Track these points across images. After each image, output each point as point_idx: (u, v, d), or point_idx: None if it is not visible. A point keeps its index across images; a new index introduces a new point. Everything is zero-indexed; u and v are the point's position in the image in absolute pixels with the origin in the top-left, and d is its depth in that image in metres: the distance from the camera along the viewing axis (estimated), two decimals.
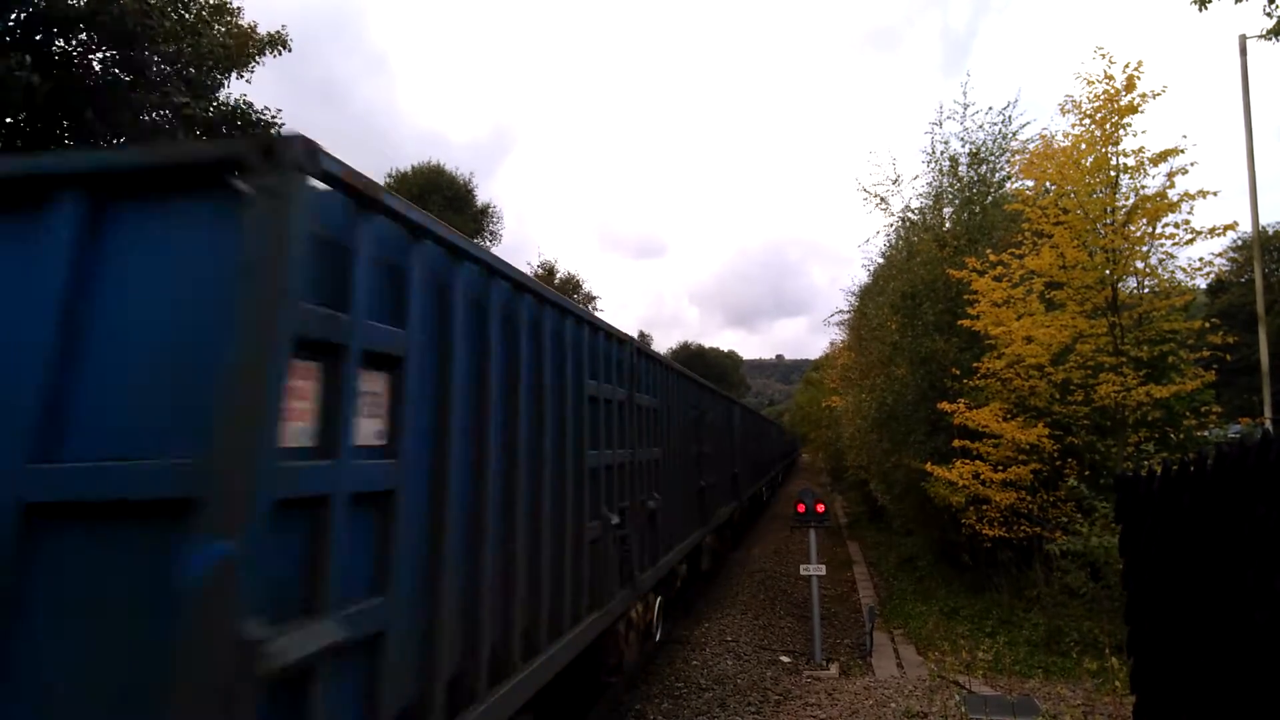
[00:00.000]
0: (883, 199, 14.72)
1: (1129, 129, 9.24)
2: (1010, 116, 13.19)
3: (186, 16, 10.86)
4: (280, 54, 12.60)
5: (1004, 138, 13.20)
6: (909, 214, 14.64)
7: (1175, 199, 8.89)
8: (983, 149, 13.32)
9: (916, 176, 22.51)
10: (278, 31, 12.51)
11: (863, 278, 22.11)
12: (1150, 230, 9.19)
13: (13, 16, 9.47)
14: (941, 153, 13.76)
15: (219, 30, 11.35)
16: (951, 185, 13.74)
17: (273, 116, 12.33)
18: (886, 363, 13.82)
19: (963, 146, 13.52)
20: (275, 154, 2.00)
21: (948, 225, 13.47)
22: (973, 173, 13.46)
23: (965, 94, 14.80)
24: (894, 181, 15.42)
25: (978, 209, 13.03)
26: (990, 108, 17.90)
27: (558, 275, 37.39)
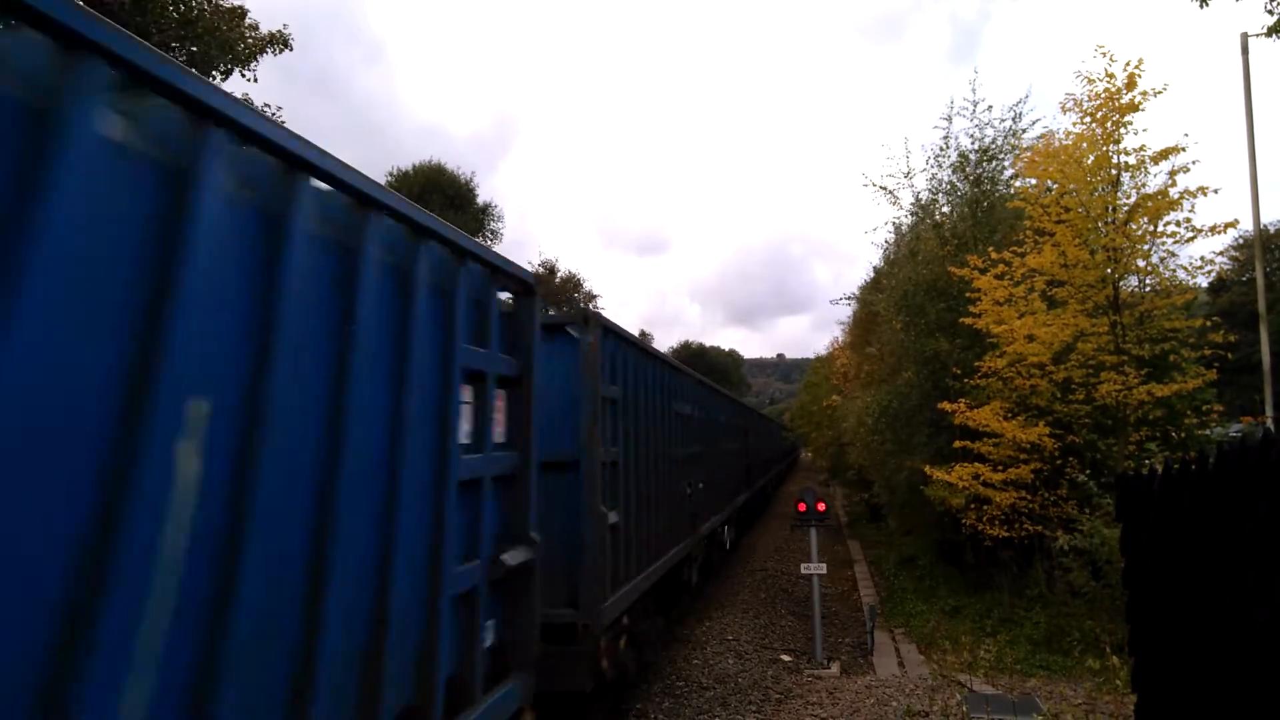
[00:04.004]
0: (892, 192, 14.69)
1: (1130, 127, 9.23)
2: (1020, 113, 13.15)
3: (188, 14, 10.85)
4: (280, 52, 12.60)
5: (1014, 135, 13.16)
6: (918, 209, 14.58)
7: (1176, 197, 8.88)
8: (992, 146, 13.28)
9: (923, 170, 22.38)
10: (279, 30, 12.51)
11: (865, 275, 22.03)
12: (1151, 228, 9.18)
13: None
14: (953, 148, 13.70)
15: (209, 15, 11.29)
16: (960, 182, 13.68)
17: (274, 113, 12.35)
18: (893, 363, 13.79)
19: (972, 143, 13.48)
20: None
21: (952, 222, 13.43)
22: (981, 170, 13.42)
23: (974, 90, 14.73)
24: (906, 175, 15.38)
25: (986, 204, 12.98)
26: (998, 105, 17.76)
27: (558, 275, 37.34)
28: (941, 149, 13.83)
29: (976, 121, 13.44)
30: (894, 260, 15.28)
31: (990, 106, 15.62)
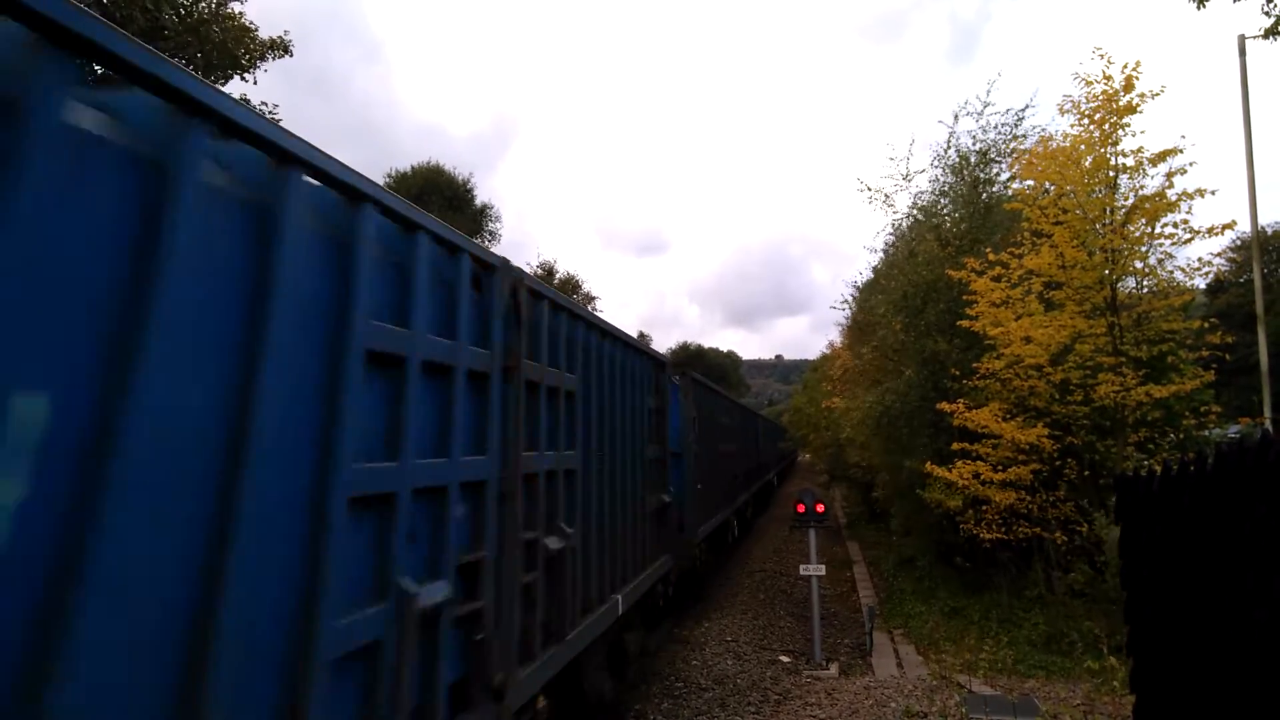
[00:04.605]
0: (888, 196, 14.68)
1: (1128, 129, 9.25)
2: (1022, 117, 13.13)
3: (188, 18, 10.90)
4: (280, 57, 12.61)
5: (1013, 139, 13.15)
6: (915, 213, 14.57)
7: (1174, 199, 8.90)
8: (992, 149, 13.27)
9: (923, 170, 22.20)
10: (279, 36, 12.52)
11: (864, 276, 21.96)
12: (1149, 230, 9.20)
13: None
14: (953, 149, 13.69)
15: (217, 31, 11.39)
16: (958, 184, 13.67)
17: (270, 110, 12.37)
18: (892, 363, 13.79)
19: (974, 145, 13.47)
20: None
21: (949, 224, 13.43)
22: (980, 172, 13.42)
23: (989, 92, 14.53)
24: (905, 177, 15.37)
25: (982, 207, 12.99)
26: (1008, 109, 17.63)
27: (557, 275, 37.33)
28: (944, 149, 13.84)
29: (982, 124, 13.43)
30: (893, 261, 15.26)
31: (1006, 110, 15.59)
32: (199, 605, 1.86)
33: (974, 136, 13.46)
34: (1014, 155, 12.95)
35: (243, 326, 2.03)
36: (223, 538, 1.92)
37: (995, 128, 13.30)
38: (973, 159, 13.38)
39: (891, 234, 16.03)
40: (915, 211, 14.61)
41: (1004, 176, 13.34)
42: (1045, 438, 9.34)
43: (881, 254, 17.12)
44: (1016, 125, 13.09)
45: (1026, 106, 13.20)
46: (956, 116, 13.64)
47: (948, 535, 11.56)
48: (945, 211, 13.92)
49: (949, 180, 13.84)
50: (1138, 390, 8.83)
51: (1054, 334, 9.19)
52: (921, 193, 14.69)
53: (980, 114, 13.39)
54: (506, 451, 3.66)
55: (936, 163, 13.99)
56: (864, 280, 19.57)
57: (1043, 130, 15.28)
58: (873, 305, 15.76)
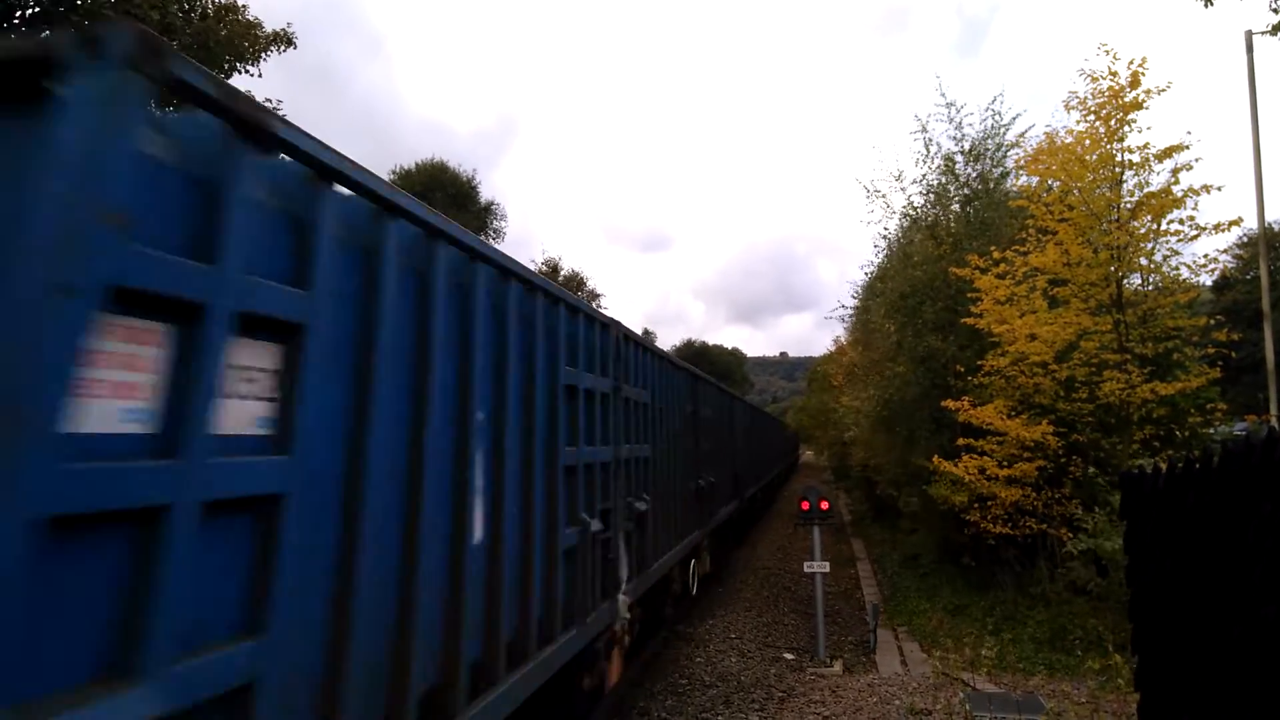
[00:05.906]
0: (884, 196, 14.69)
1: (1134, 125, 9.20)
2: (999, 111, 13.11)
3: (193, 17, 10.94)
4: (285, 50, 12.63)
5: (997, 132, 13.14)
6: (910, 211, 14.57)
7: (1180, 195, 8.86)
8: (977, 145, 13.25)
9: (914, 180, 22.29)
10: (283, 29, 12.53)
11: (866, 276, 21.94)
12: (1155, 226, 9.16)
13: (17, 13, 9.48)
14: (935, 152, 13.68)
15: (224, 31, 11.42)
16: (950, 183, 13.65)
17: (275, 106, 12.42)
18: (889, 361, 13.78)
19: (955, 145, 13.46)
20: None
21: (946, 222, 13.40)
22: (970, 169, 13.40)
23: (944, 94, 14.51)
24: (897, 178, 15.34)
25: (979, 204, 12.96)
26: (991, 102, 17.57)
27: (561, 272, 37.35)
28: (925, 154, 13.83)
29: (955, 123, 13.41)
30: (888, 263, 15.27)
31: (969, 107, 15.48)
32: None
33: (953, 138, 13.46)
34: (1003, 150, 12.99)
35: None
36: None
37: (962, 124, 13.31)
38: (959, 159, 13.37)
39: (891, 233, 16.02)
40: (910, 210, 14.61)
41: (997, 173, 13.32)
42: (1050, 435, 9.31)
43: (881, 253, 17.10)
44: (997, 118, 13.07)
45: (994, 99, 13.15)
46: (924, 126, 13.62)
47: (953, 532, 11.55)
48: (937, 211, 13.89)
49: (940, 180, 13.81)
50: (1143, 387, 8.80)
51: (1059, 331, 9.16)
52: (913, 195, 14.67)
53: (946, 115, 13.35)
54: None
55: (923, 163, 13.95)
56: (865, 282, 19.56)
57: (1026, 120, 15.33)
58: (872, 308, 15.76)
